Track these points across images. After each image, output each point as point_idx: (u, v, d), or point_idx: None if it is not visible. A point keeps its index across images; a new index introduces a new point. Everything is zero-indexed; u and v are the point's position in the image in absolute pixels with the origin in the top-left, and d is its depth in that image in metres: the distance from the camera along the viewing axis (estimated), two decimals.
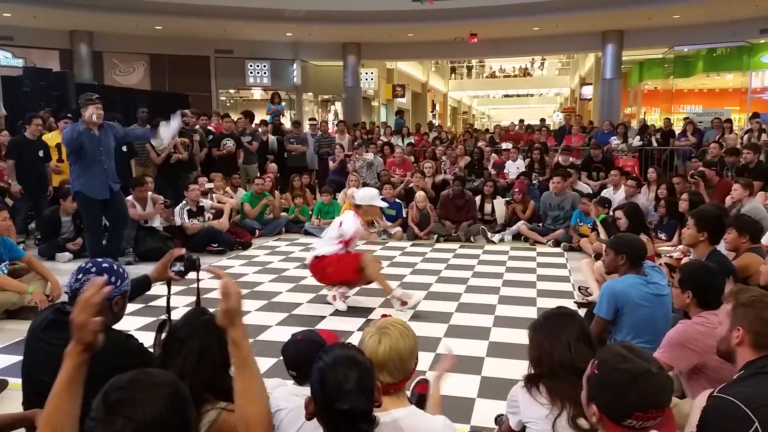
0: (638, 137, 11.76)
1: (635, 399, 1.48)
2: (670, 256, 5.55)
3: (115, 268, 2.43)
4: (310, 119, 13.29)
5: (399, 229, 8.39)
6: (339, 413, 1.54)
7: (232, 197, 8.45)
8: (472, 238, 8.09)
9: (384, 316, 2.17)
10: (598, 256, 5.74)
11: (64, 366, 1.59)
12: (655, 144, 11.74)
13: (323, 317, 4.83)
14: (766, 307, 2.08)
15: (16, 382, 3.47)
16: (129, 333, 2.45)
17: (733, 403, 1.83)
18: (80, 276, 2.35)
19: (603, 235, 6.39)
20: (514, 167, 10.04)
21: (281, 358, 2.51)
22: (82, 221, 6.65)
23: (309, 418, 1.65)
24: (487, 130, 16.79)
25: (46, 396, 2.22)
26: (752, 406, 1.81)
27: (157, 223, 7.23)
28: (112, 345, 2.33)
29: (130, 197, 7.00)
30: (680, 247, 5.50)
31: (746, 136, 10.66)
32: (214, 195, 8.10)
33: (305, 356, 2.31)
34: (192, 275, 2.89)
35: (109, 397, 1.27)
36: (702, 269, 2.83)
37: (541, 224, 8.14)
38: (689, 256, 4.88)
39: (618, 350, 1.60)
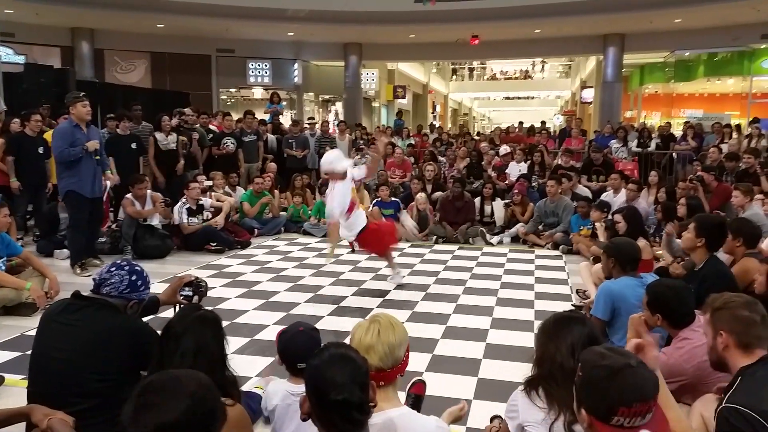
0: (636, 141, 11.77)
1: (617, 393, 1.48)
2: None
3: (144, 275, 2.60)
4: (308, 119, 13.27)
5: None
6: (333, 404, 1.55)
7: (231, 196, 8.45)
8: (470, 240, 8.09)
9: None
10: (596, 260, 5.75)
11: None
12: (654, 147, 11.75)
13: (321, 317, 4.83)
14: (739, 306, 2.11)
15: (12, 378, 3.48)
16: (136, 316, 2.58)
17: (749, 414, 1.84)
18: (112, 269, 2.52)
19: (602, 238, 6.40)
20: (517, 169, 10.02)
21: (277, 357, 2.52)
22: None
23: (304, 418, 1.66)
24: (478, 134, 16.77)
25: (52, 374, 2.27)
26: (765, 416, 1.82)
27: (156, 221, 7.24)
28: (126, 326, 2.40)
29: (129, 195, 7.02)
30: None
31: (745, 141, 10.69)
32: (213, 193, 8.11)
33: (307, 350, 2.33)
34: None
35: (139, 398, 1.38)
36: (668, 291, 2.70)
37: (540, 226, 8.12)
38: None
39: (598, 350, 1.62)
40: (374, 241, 5.64)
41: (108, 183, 6.67)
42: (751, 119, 12.63)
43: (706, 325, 2.19)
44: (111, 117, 8.65)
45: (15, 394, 3.18)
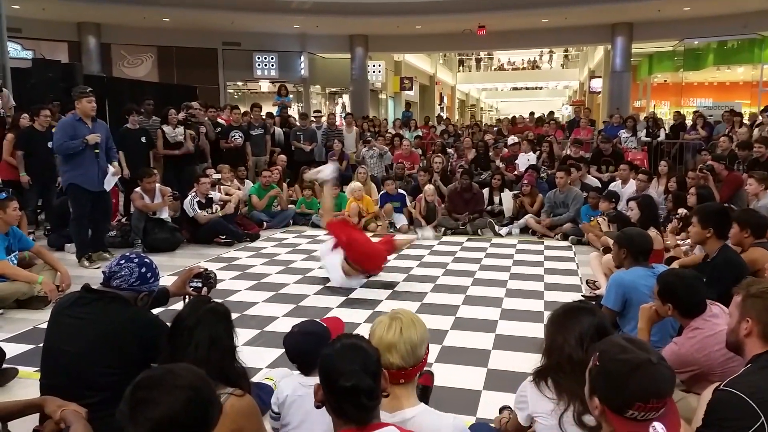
0: (645, 131, 11.68)
1: (635, 389, 1.47)
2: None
3: (153, 266, 2.59)
4: (314, 111, 13.27)
5: (405, 222, 8.39)
6: (342, 391, 1.57)
7: (239, 189, 8.47)
8: (479, 231, 8.08)
9: None
10: (606, 250, 5.72)
11: None
12: (663, 137, 11.66)
13: (330, 308, 4.84)
14: None
15: (25, 371, 3.51)
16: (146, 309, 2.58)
17: (740, 397, 1.83)
18: (122, 262, 2.51)
19: (604, 227, 6.37)
20: (525, 159, 9.98)
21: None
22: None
23: (318, 406, 1.68)
24: (497, 121, 16.63)
25: (64, 367, 2.30)
26: (759, 400, 1.81)
27: (165, 214, 7.27)
28: (136, 319, 2.41)
29: (138, 188, 7.05)
30: (688, 241, 5.47)
31: (756, 130, 10.58)
32: (222, 187, 8.13)
33: (303, 349, 2.36)
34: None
35: (134, 395, 1.38)
36: (679, 281, 2.69)
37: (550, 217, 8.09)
38: (691, 250, 4.86)
39: (618, 341, 1.60)
40: (365, 260, 5.58)
41: (111, 174, 6.57)
42: (762, 107, 12.49)
43: (734, 306, 2.17)
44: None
45: (28, 386, 3.21)
